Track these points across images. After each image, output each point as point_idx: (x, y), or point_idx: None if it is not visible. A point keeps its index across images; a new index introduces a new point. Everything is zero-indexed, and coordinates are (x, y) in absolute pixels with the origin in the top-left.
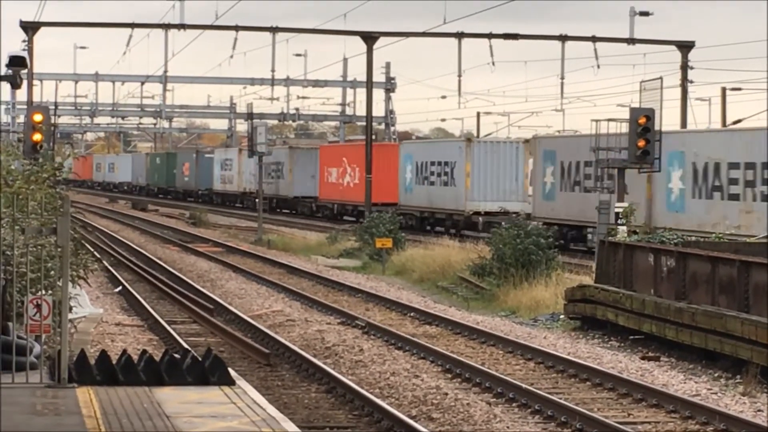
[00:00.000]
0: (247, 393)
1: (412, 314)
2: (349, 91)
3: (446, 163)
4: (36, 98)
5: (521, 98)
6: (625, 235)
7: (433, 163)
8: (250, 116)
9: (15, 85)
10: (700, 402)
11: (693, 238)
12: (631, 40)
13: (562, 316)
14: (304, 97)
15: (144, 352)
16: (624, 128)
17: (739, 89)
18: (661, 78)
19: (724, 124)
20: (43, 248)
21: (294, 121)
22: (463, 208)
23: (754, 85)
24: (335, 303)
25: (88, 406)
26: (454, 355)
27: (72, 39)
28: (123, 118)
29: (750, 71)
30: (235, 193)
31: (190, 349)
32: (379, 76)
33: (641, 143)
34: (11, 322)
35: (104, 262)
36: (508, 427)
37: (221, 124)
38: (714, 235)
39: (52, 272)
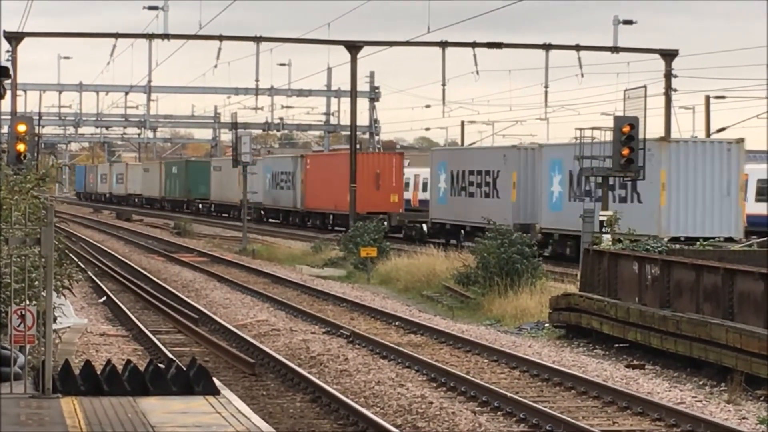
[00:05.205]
0: (232, 402)
1: (397, 323)
2: (333, 100)
3: None
4: (20, 108)
5: (505, 107)
6: (610, 243)
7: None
8: (234, 126)
9: None
10: (685, 410)
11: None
12: (615, 49)
13: (546, 325)
14: (288, 107)
15: (128, 362)
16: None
17: (723, 97)
18: (645, 86)
19: (708, 132)
20: (28, 258)
21: (278, 130)
22: None
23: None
24: (320, 312)
25: (72, 417)
26: (439, 364)
27: (56, 49)
28: (107, 128)
29: (734, 79)
30: None
31: (174, 359)
32: (363, 86)
33: (625, 152)
34: None
35: (89, 273)
36: None
37: (205, 133)
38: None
39: (37, 282)
